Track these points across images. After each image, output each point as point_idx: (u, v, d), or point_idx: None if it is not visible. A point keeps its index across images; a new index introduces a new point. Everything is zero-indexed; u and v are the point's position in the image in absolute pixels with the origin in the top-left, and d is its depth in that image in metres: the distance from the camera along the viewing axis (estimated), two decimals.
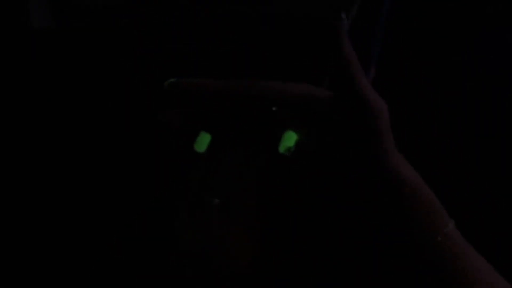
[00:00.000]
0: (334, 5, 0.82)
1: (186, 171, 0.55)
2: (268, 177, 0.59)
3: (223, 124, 0.58)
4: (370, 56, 0.85)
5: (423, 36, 0.84)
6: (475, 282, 0.58)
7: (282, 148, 0.57)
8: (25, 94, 0.83)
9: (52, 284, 0.81)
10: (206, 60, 0.82)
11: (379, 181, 0.58)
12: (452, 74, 0.81)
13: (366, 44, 0.86)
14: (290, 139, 0.58)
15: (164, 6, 0.81)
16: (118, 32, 0.82)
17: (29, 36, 0.82)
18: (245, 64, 0.82)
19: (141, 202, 0.57)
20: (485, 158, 0.76)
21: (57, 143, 0.83)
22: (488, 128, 0.77)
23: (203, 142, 0.57)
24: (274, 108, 0.58)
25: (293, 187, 0.59)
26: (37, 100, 0.83)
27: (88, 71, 0.83)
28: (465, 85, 0.79)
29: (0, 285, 0.80)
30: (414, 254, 0.58)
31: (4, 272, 0.81)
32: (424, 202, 0.58)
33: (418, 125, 0.79)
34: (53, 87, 0.83)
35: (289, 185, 0.59)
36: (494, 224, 0.73)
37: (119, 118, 0.81)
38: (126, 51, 0.82)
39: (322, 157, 0.58)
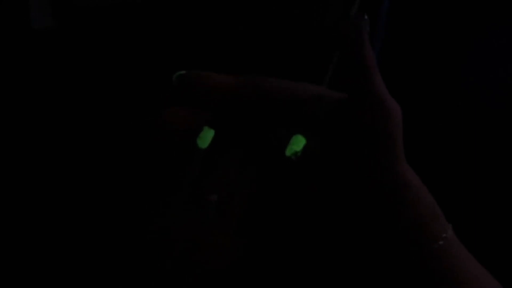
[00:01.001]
0: (334, 6, 0.82)
1: (185, 166, 0.55)
2: (269, 178, 0.58)
3: (229, 121, 0.57)
4: None
5: (422, 37, 0.85)
6: (473, 284, 0.59)
7: (288, 152, 0.57)
8: (25, 94, 0.83)
9: (44, 284, 0.80)
10: (209, 60, 0.82)
11: (387, 185, 0.58)
12: (451, 76, 0.81)
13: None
14: (298, 143, 0.57)
15: (165, 5, 0.81)
16: (119, 32, 0.81)
17: (30, 36, 0.81)
18: (246, 62, 0.82)
19: (136, 197, 0.57)
20: (483, 161, 0.77)
21: (57, 143, 0.83)
22: (487, 131, 0.78)
23: (206, 138, 0.57)
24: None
25: (294, 190, 0.59)
26: (38, 100, 0.83)
27: (89, 71, 0.82)
28: (464, 87, 0.80)
29: (0, 285, 0.79)
30: (417, 259, 0.58)
31: (4, 272, 0.80)
32: (427, 207, 0.59)
33: (417, 126, 0.80)
34: (53, 87, 0.83)
35: (290, 188, 0.59)
36: (487, 227, 0.75)
37: (120, 118, 0.81)
38: (127, 51, 0.82)
39: (328, 160, 0.58)
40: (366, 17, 0.60)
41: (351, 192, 0.58)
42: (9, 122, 0.82)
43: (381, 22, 0.86)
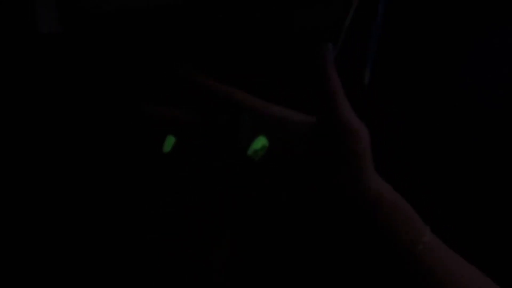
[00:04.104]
0: (330, 12, 0.82)
1: (155, 170, 0.57)
2: (235, 179, 0.60)
3: (194, 124, 0.59)
4: (365, 60, 0.86)
5: (418, 39, 0.85)
6: (460, 282, 0.63)
7: (250, 151, 0.59)
8: (31, 98, 0.82)
9: (44, 284, 0.82)
10: (211, 63, 0.82)
11: (357, 198, 0.61)
12: (448, 76, 0.82)
13: (362, 47, 0.87)
14: (258, 142, 0.59)
15: (170, 13, 0.80)
16: (125, 38, 0.81)
17: (36, 41, 0.80)
18: (246, 67, 0.83)
19: (135, 198, 0.59)
20: (482, 161, 0.78)
21: (62, 145, 0.83)
22: (485, 131, 0.78)
23: (169, 143, 0.59)
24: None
25: (259, 194, 0.61)
26: (44, 104, 0.82)
27: (95, 77, 0.82)
28: (461, 87, 0.80)
29: (0, 285, 0.80)
30: (398, 266, 0.62)
31: (4, 272, 0.81)
32: (403, 215, 0.62)
33: (415, 126, 0.80)
34: (59, 92, 0.82)
35: (256, 191, 0.61)
36: (486, 227, 0.77)
37: (125, 122, 0.81)
38: (134, 57, 0.81)
39: (294, 169, 0.61)
40: (330, 45, 0.61)
41: (321, 206, 0.61)
42: (14, 125, 0.82)
43: (378, 21, 0.86)
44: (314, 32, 0.83)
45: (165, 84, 0.59)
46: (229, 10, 0.81)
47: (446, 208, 0.67)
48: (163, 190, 0.58)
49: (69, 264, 0.81)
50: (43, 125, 0.83)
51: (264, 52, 0.82)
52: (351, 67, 0.85)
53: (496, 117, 0.79)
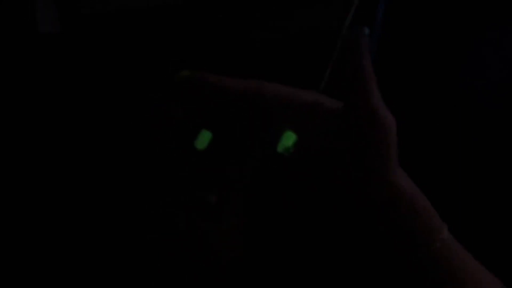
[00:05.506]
0: (332, 11, 0.82)
1: (183, 167, 0.56)
2: (265, 177, 0.60)
3: (225, 121, 0.59)
4: None
5: (418, 39, 0.85)
6: (472, 282, 0.63)
7: (280, 148, 0.58)
8: (31, 98, 0.82)
9: (49, 284, 0.82)
10: (212, 63, 0.82)
11: (381, 195, 0.61)
12: (448, 76, 0.82)
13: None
14: (288, 139, 0.58)
15: (170, 13, 0.80)
16: (125, 38, 0.81)
17: (36, 41, 0.80)
18: (246, 67, 0.83)
19: (135, 198, 0.59)
20: (481, 162, 0.78)
21: (61, 145, 0.83)
22: (485, 131, 0.79)
23: (204, 139, 0.58)
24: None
25: (287, 189, 0.61)
26: (43, 104, 0.82)
27: (95, 76, 0.82)
28: (461, 88, 0.80)
29: (0, 285, 0.81)
30: (415, 262, 0.61)
31: (4, 272, 0.81)
32: (422, 211, 0.61)
33: (415, 127, 0.80)
34: (59, 92, 0.82)
35: (284, 187, 0.61)
36: (486, 228, 0.77)
37: (125, 123, 0.82)
38: (133, 57, 0.81)
39: (322, 162, 0.61)
40: (367, 29, 0.61)
41: (345, 199, 0.60)
42: (14, 125, 0.82)
43: (378, 21, 0.86)
44: (314, 32, 0.83)
45: (191, 87, 0.58)
46: (229, 10, 0.81)
47: (446, 208, 0.67)
48: (192, 187, 0.58)
49: (69, 264, 0.81)
50: (43, 124, 0.83)
51: (264, 52, 0.82)
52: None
53: (496, 117, 0.78)
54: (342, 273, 0.70)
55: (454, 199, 0.75)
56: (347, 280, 0.70)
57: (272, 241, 0.67)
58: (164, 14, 0.81)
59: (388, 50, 0.86)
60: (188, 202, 0.57)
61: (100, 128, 0.82)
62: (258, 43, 0.82)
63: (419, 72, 0.84)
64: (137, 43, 0.81)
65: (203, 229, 0.57)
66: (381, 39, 0.87)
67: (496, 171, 0.77)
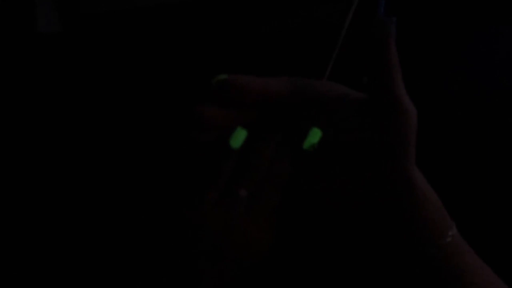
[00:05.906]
0: (330, 12, 0.82)
1: (218, 164, 0.56)
2: (295, 173, 0.60)
3: (263, 121, 0.59)
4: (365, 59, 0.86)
5: (418, 39, 0.85)
6: (478, 279, 0.64)
7: (306, 144, 0.58)
8: (32, 97, 0.82)
9: (52, 284, 0.82)
10: (212, 60, 0.82)
11: (397, 186, 0.61)
12: (448, 76, 0.82)
13: (363, 46, 0.87)
14: (315, 135, 0.58)
15: (170, 13, 0.80)
16: (125, 37, 0.81)
17: (36, 41, 0.80)
18: (255, 62, 0.83)
19: (170, 193, 0.59)
20: (481, 162, 0.78)
21: (63, 144, 0.83)
22: (486, 131, 0.79)
23: (239, 138, 0.58)
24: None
25: (314, 184, 0.61)
26: (44, 103, 0.82)
27: (95, 75, 0.82)
28: (461, 88, 0.80)
29: (0, 285, 0.81)
30: (426, 256, 0.61)
31: (4, 272, 0.81)
32: (434, 207, 0.61)
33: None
34: (59, 91, 0.82)
35: (311, 182, 0.61)
36: (489, 226, 0.77)
37: (128, 120, 0.82)
38: (133, 56, 0.82)
39: (349, 154, 0.61)
40: (394, 19, 0.60)
41: (364, 189, 0.61)
42: (15, 124, 0.82)
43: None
44: (314, 32, 0.83)
45: (234, 91, 0.58)
46: (229, 10, 0.81)
47: (445, 208, 0.67)
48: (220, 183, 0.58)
49: (68, 263, 0.81)
50: (43, 124, 0.83)
51: (265, 51, 0.82)
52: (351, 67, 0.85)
53: (496, 117, 0.79)
54: (356, 264, 0.70)
55: (454, 199, 0.75)
56: (360, 271, 0.70)
57: (302, 236, 0.67)
58: (164, 14, 0.81)
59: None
60: (219, 197, 0.57)
61: (99, 127, 0.82)
62: (267, 38, 0.82)
63: (418, 72, 0.84)
64: (137, 43, 0.81)
65: (234, 224, 0.58)
66: None
67: (496, 170, 0.77)
